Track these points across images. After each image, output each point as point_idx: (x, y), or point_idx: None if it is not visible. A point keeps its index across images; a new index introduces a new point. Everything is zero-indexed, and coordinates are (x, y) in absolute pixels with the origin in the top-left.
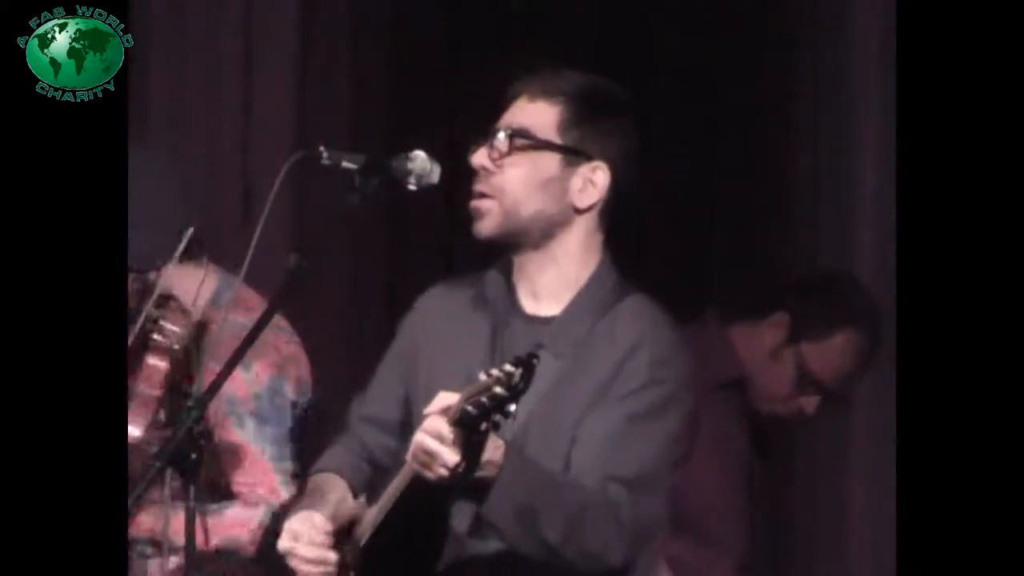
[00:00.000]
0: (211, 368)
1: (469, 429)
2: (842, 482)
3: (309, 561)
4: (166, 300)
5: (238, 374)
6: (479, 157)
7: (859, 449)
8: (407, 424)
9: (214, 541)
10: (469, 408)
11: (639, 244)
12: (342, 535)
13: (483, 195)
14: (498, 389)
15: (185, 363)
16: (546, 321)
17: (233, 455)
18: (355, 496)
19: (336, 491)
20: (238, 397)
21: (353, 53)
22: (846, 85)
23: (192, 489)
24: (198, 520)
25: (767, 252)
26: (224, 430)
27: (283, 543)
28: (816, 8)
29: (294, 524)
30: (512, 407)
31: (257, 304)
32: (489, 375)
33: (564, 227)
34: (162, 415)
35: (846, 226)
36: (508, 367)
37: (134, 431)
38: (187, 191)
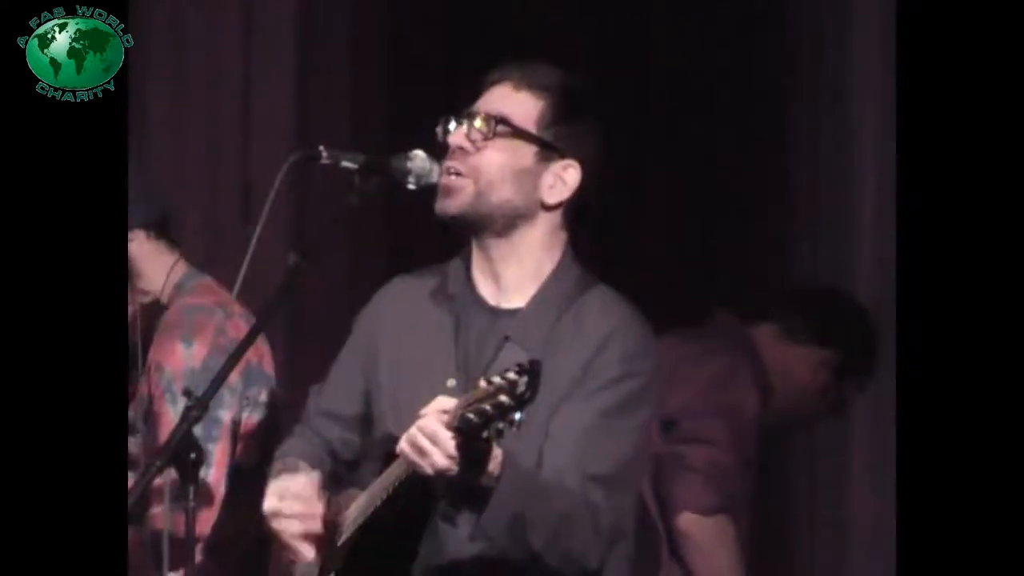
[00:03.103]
0: (157, 341)
1: (469, 436)
2: (842, 494)
3: (296, 516)
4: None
5: (178, 348)
6: (457, 137)
7: (859, 461)
8: (367, 418)
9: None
10: (471, 416)
11: (636, 254)
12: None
13: (457, 173)
14: (503, 398)
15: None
16: (511, 313)
17: (163, 430)
18: (322, 487)
19: (305, 470)
20: (174, 371)
21: (353, 53)
22: (846, 93)
23: (192, 489)
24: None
25: (766, 262)
26: (159, 402)
27: (269, 503)
28: (817, 10)
29: (276, 486)
30: (517, 415)
31: (218, 293)
32: (490, 382)
33: (528, 221)
34: None
35: (846, 236)
36: (511, 375)
37: None
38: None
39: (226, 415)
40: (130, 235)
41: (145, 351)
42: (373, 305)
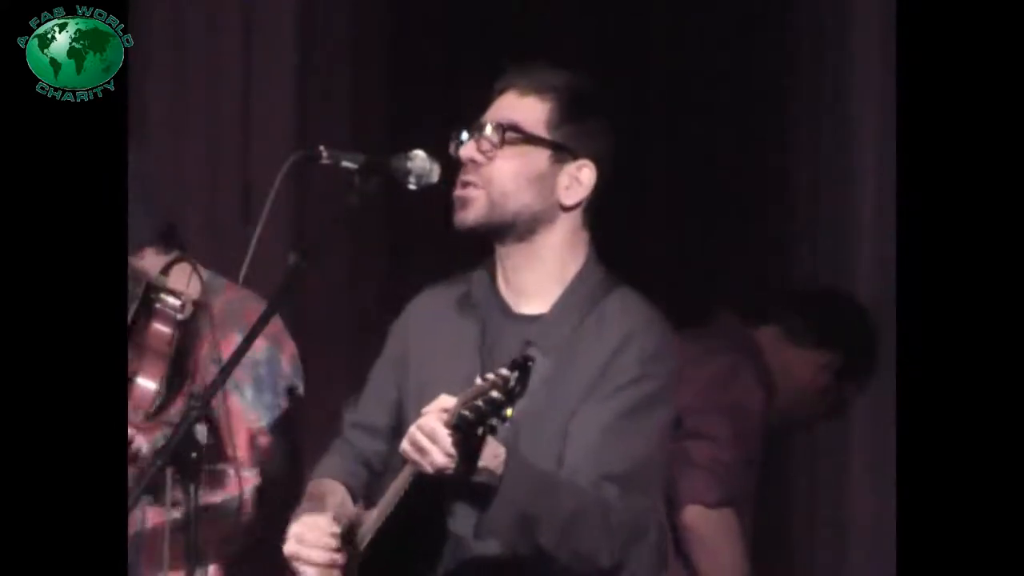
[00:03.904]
0: (230, 338)
1: (466, 433)
2: (842, 494)
3: (316, 564)
4: (169, 268)
5: (237, 339)
6: (468, 150)
7: (859, 461)
8: (399, 429)
9: (213, 499)
10: (466, 413)
11: (636, 254)
12: (344, 539)
13: (471, 184)
14: (494, 393)
15: (187, 337)
16: (533, 319)
17: (231, 422)
18: (354, 500)
19: (335, 495)
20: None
21: (353, 53)
22: (846, 93)
23: (192, 488)
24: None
25: (766, 262)
26: (223, 395)
27: (289, 547)
28: (817, 10)
29: (299, 528)
30: (508, 411)
31: (240, 293)
32: (484, 379)
33: (548, 224)
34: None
35: (846, 236)
36: (503, 371)
37: (150, 384)
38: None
39: (283, 404)
40: (139, 255)
41: (181, 352)
42: (404, 316)
